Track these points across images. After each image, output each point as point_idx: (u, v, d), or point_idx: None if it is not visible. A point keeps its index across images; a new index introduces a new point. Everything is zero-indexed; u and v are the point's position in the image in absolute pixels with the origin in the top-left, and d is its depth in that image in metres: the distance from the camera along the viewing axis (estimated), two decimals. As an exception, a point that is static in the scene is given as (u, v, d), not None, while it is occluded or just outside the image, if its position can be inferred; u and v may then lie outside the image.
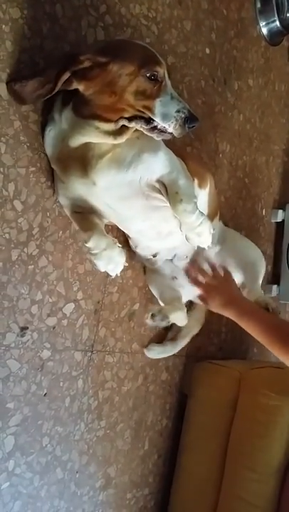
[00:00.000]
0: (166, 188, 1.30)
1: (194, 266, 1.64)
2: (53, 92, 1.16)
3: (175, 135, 1.22)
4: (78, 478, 1.56)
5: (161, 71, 1.19)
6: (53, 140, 1.28)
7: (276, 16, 2.35)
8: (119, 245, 1.37)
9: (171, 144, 1.35)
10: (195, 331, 1.87)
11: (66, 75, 1.14)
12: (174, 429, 1.94)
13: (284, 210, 2.56)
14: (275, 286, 2.49)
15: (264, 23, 2.36)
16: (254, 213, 2.41)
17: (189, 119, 1.19)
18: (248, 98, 2.29)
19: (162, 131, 1.22)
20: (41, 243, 1.36)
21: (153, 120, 1.20)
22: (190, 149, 1.91)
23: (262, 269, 1.84)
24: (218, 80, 2.06)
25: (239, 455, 1.71)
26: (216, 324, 2.11)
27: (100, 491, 1.64)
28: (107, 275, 1.57)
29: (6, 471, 1.33)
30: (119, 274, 1.41)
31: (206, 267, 1.61)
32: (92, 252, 1.34)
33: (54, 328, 1.42)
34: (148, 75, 1.17)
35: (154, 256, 1.65)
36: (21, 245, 1.31)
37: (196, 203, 1.32)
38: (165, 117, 1.18)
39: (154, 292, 1.73)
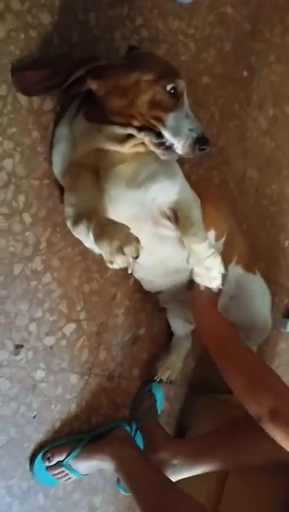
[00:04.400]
0: (176, 215, 1.20)
1: None
2: (62, 87, 1.08)
3: (182, 155, 1.11)
4: (61, 506, 1.49)
5: (182, 85, 1.12)
6: (63, 154, 1.21)
7: None
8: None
9: (190, 178, 1.27)
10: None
11: (79, 72, 1.07)
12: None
13: (308, 243, 2.46)
14: (290, 322, 2.39)
15: (307, 50, 2.28)
16: (276, 244, 2.32)
17: (201, 141, 1.08)
18: (283, 126, 2.20)
19: (169, 148, 1.11)
20: (47, 259, 1.30)
21: (162, 135, 1.10)
22: (216, 173, 1.84)
23: (262, 337, 1.75)
24: (253, 104, 1.98)
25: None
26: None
27: (82, 521, 1.57)
28: (114, 296, 1.51)
29: (-17, 493, 1.27)
30: (134, 264, 1.06)
31: None
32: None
33: (51, 348, 1.36)
34: (167, 87, 1.09)
35: (158, 293, 1.57)
36: (25, 260, 1.25)
37: (206, 234, 1.22)
38: (176, 132, 1.08)
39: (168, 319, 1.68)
